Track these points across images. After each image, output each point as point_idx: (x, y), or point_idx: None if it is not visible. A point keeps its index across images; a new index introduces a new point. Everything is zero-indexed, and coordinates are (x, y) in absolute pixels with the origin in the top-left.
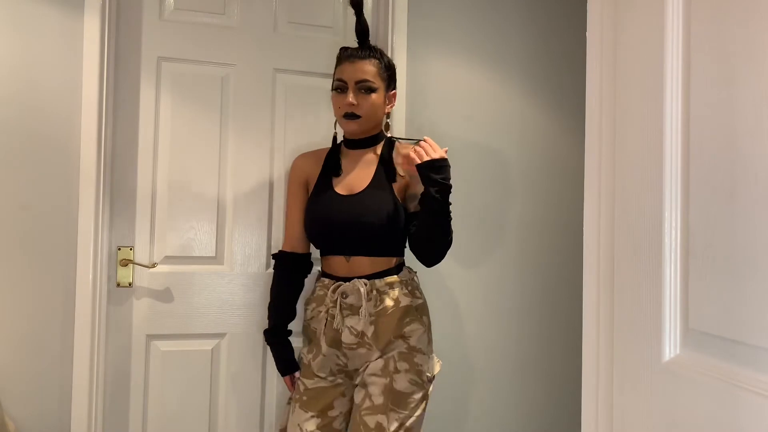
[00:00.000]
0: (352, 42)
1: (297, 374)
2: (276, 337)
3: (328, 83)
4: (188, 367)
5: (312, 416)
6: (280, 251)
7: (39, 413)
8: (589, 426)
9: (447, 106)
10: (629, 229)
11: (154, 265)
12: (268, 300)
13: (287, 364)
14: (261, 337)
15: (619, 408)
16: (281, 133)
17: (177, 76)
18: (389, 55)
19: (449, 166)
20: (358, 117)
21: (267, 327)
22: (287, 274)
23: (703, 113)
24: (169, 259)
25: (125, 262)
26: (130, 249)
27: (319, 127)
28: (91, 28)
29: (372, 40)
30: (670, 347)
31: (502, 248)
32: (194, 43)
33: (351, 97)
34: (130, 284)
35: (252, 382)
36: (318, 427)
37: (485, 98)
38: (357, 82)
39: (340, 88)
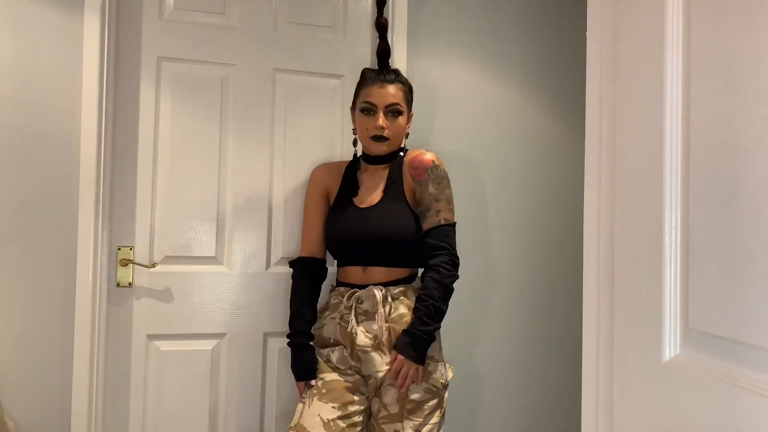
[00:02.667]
0: (352, 41)
1: (312, 382)
2: (302, 339)
3: (328, 83)
4: (188, 367)
5: (333, 407)
6: (299, 257)
7: (39, 413)
8: (588, 426)
9: (447, 105)
10: (629, 229)
11: (154, 265)
12: (270, 301)
13: (307, 369)
14: (261, 337)
15: (619, 408)
16: (281, 133)
17: (177, 76)
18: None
19: (420, 340)
20: (387, 139)
21: (290, 332)
22: (309, 279)
23: (703, 113)
24: (169, 259)
25: (125, 262)
26: (130, 249)
27: (318, 127)
28: (91, 28)
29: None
30: (670, 347)
31: (501, 248)
32: (194, 43)
33: (381, 120)
34: (130, 284)
35: (252, 382)
36: (339, 418)
37: (485, 97)
38: (387, 106)
39: (368, 110)
